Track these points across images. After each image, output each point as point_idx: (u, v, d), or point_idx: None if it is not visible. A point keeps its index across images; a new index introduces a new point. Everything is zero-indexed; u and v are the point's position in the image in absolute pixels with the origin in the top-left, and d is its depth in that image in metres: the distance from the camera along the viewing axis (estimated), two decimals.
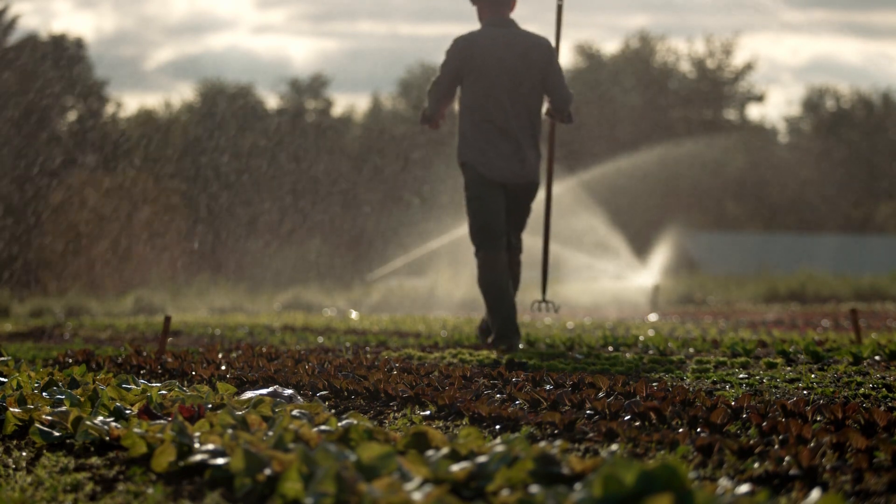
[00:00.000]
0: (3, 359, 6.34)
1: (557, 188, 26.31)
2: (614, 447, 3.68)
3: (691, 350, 7.59)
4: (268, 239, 34.42)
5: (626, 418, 4.23)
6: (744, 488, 2.80)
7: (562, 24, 8.53)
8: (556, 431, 4.06)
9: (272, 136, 40.09)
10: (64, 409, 4.12)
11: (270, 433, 3.54)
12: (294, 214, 35.22)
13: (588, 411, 4.43)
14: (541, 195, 8.33)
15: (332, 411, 4.63)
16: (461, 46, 7.78)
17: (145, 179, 32.28)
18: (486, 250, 7.75)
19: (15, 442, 4.09)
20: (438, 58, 8.14)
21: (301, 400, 4.52)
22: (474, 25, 8.12)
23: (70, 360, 7.09)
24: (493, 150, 7.75)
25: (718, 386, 5.47)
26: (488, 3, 7.88)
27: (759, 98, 55.64)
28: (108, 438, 3.87)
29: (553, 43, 8.06)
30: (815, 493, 2.83)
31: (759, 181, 50.76)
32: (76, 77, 41.53)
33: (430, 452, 3.25)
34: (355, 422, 3.66)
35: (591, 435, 3.91)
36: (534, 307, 8.61)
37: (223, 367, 6.26)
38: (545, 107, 8.01)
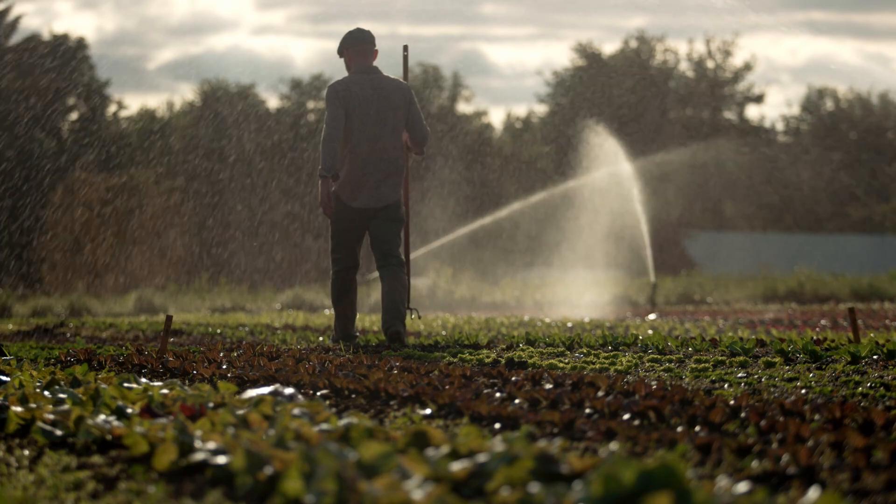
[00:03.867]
0: (5, 358, 6.36)
1: (555, 191, 26.34)
2: (613, 446, 3.70)
3: (690, 349, 7.60)
4: (268, 239, 34.42)
5: (626, 417, 4.25)
6: (742, 487, 2.82)
7: (408, 69, 9.65)
8: (555, 430, 4.08)
9: (273, 136, 40.08)
10: (66, 408, 4.14)
11: (271, 432, 3.56)
12: (294, 214, 35.21)
13: (587, 410, 4.44)
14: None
15: (333, 410, 4.65)
16: (341, 92, 8.72)
17: (146, 179, 32.27)
18: (340, 268, 8.83)
19: (17, 441, 4.11)
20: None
21: (302, 399, 4.53)
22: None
23: (72, 360, 7.10)
24: (357, 181, 8.69)
25: (717, 385, 5.49)
26: (355, 54, 8.86)
27: (758, 98, 55.56)
28: (109, 437, 3.89)
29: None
30: (814, 492, 2.84)
31: (758, 181, 50.75)
32: (78, 77, 41.52)
33: (430, 451, 3.26)
34: (356, 421, 3.68)
35: (590, 434, 3.93)
36: None
37: (224, 367, 6.27)
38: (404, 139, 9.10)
